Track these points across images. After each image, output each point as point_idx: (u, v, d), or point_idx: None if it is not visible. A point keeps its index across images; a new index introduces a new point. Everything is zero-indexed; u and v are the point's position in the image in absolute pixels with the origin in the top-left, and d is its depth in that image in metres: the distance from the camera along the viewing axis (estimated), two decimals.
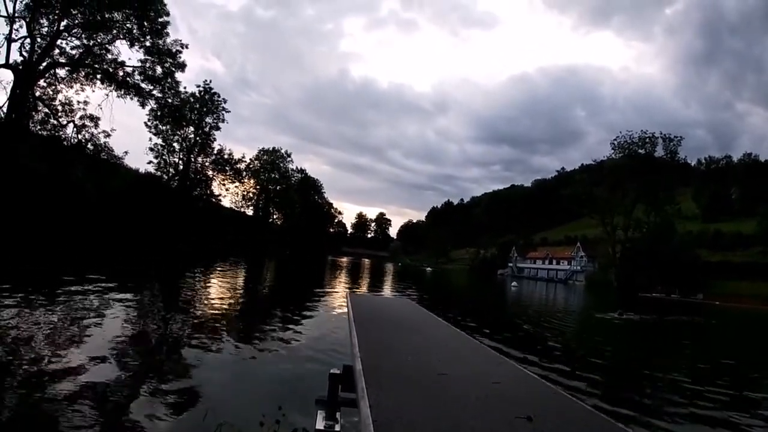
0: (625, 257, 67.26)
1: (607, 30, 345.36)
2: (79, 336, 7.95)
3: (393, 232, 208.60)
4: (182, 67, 46.87)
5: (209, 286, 19.01)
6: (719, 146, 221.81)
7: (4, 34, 35.83)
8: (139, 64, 43.99)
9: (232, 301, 15.25)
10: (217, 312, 11.99)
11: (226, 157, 68.52)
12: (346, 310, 10.05)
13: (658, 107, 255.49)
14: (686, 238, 67.34)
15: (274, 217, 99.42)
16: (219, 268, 29.96)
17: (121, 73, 43.13)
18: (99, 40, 40.76)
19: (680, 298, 52.56)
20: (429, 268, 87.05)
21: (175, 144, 61.60)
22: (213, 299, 14.95)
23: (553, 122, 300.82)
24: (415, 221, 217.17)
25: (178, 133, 61.10)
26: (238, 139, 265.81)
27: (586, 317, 24.41)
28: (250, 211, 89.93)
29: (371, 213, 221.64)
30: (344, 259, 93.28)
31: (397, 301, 10.87)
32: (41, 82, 38.80)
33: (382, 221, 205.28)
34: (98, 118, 41.53)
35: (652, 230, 65.28)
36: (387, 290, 27.83)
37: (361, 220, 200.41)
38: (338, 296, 19.25)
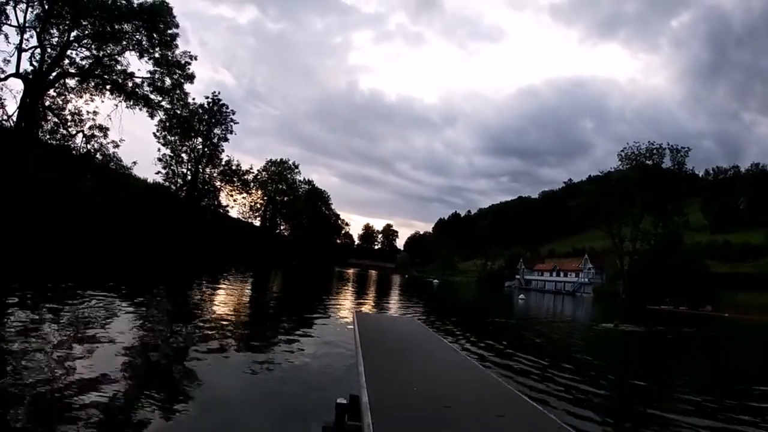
0: (632, 269, 66.73)
1: (614, 42, 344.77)
2: (84, 345, 7.99)
3: (400, 243, 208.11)
4: (191, 78, 47.23)
5: (215, 298, 18.97)
6: (727, 157, 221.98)
7: (14, 44, 36.28)
8: (148, 75, 44.41)
9: (237, 314, 15.19)
10: (222, 326, 11.93)
11: (233, 168, 68.99)
12: (351, 325, 10.01)
13: (666, 119, 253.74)
14: (694, 250, 66.79)
15: (281, 228, 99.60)
16: (225, 279, 29.99)
17: (130, 84, 43.58)
18: (109, 51, 41.23)
19: (688, 310, 52.03)
20: (436, 281, 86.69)
21: (183, 155, 62.15)
22: (219, 312, 14.93)
23: (561, 134, 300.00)
24: (422, 233, 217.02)
25: (187, 143, 61.55)
26: (247, 150, 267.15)
27: (582, 328, 24.38)
28: (257, 222, 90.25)
29: (378, 224, 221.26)
30: (351, 271, 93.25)
31: (404, 322, 10.78)
32: (51, 92, 39.30)
33: (389, 233, 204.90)
34: (107, 129, 42.08)
35: (659, 242, 64.77)
36: (393, 303, 27.64)
37: (368, 232, 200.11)
38: (344, 309, 19.24)
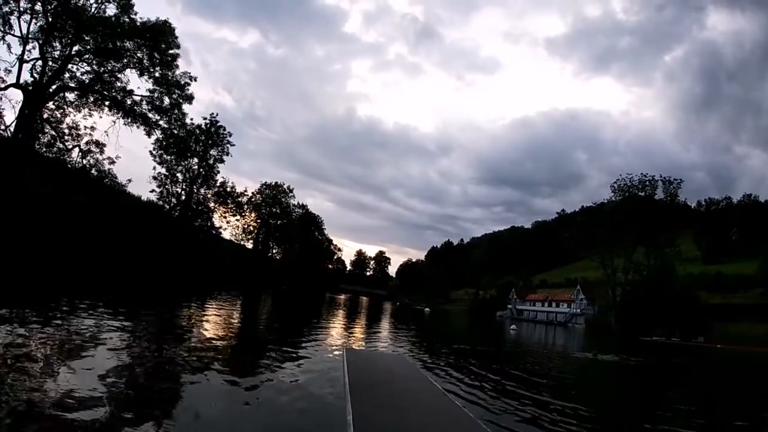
0: (625, 300, 66.66)
1: (608, 76, 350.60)
2: (69, 366, 7.86)
3: (392, 270, 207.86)
4: (190, 99, 47.47)
5: (204, 321, 18.59)
6: (719, 188, 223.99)
7: (17, 55, 36.50)
8: (148, 93, 44.60)
9: (224, 340, 14.76)
10: (207, 352, 11.56)
11: (228, 189, 68.83)
12: (340, 357, 9.85)
13: (659, 151, 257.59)
14: (687, 281, 66.89)
15: (274, 251, 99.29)
16: (216, 301, 29.68)
17: (129, 102, 43.69)
18: (109, 68, 41.50)
19: (681, 342, 51.86)
20: (427, 309, 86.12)
21: (178, 174, 61.68)
22: (206, 336, 14.62)
23: (555, 165, 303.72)
24: (414, 260, 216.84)
25: (182, 163, 61.29)
26: (244, 173, 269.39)
27: (560, 358, 24.32)
28: (249, 245, 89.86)
29: (371, 251, 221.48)
30: (342, 297, 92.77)
31: (394, 361, 10.68)
32: (50, 105, 39.35)
33: (382, 259, 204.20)
34: (104, 145, 42.12)
35: (652, 273, 64.84)
36: (384, 332, 27.10)
37: (361, 258, 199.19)
38: (334, 338, 19.07)
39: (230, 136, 64.34)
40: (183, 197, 62.51)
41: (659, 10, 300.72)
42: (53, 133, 39.68)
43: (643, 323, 57.14)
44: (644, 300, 59.92)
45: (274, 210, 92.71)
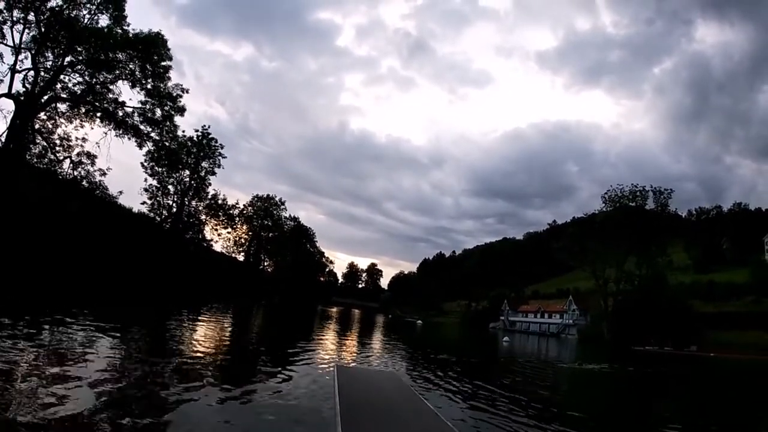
0: (617, 310, 66.67)
1: (598, 89, 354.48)
2: (55, 379, 7.69)
3: (384, 282, 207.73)
4: (182, 111, 47.41)
5: (194, 334, 18.36)
6: (709, 198, 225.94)
7: (8, 65, 36.43)
8: (139, 105, 44.50)
9: (214, 353, 14.46)
10: (196, 366, 11.32)
11: (219, 202, 68.82)
12: (331, 373, 9.71)
13: (649, 162, 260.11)
14: (679, 290, 67.03)
15: (265, 264, 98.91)
16: (206, 314, 29.41)
17: (120, 113, 43.62)
18: (101, 79, 41.44)
19: (673, 351, 51.91)
20: (419, 321, 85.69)
21: (169, 186, 61.63)
22: (195, 349, 14.38)
23: (547, 177, 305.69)
24: (407, 272, 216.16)
25: (174, 175, 61.18)
26: (236, 185, 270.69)
27: (546, 368, 24.33)
28: (241, 257, 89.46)
29: (363, 263, 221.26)
30: (334, 309, 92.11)
31: (386, 380, 10.63)
32: (41, 115, 39.24)
33: (374, 272, 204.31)
34: (95, 156, 42.06)
35: (643, 282, 64.95)
36: (376, 345, 26.83)
37: (353, 270, 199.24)
38: (325, 351, 18.89)
39: (222, 148, 64.43)
40: (174, 209, 62.36)
41: (648, 23, 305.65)
42: (44, 143, 39.57)
43: (636, 333, 57.10)
44: (636, 309, 59.95)
45: (266, 222, 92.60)
